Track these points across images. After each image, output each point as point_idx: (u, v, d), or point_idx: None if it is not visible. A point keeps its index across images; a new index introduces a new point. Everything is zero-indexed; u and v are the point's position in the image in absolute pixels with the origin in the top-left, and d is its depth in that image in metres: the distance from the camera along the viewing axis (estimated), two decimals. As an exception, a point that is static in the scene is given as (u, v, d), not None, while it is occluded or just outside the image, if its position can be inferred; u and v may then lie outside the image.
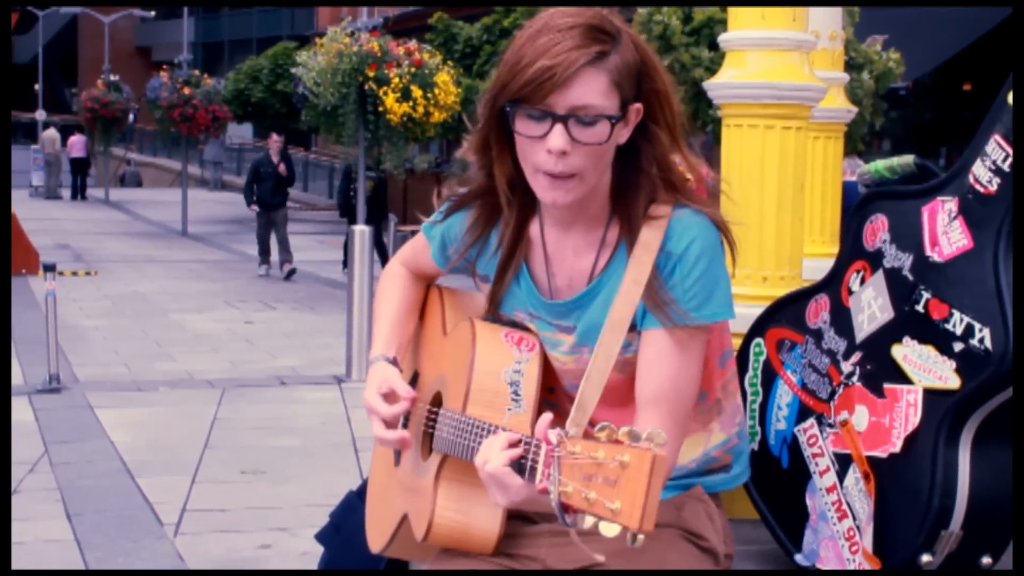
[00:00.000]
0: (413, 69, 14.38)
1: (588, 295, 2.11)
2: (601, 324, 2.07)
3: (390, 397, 2.20)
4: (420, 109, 14.50)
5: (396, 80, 14.18)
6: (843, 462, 2.47)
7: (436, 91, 14.57)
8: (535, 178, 2.02)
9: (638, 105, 2.01)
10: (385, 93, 14.21)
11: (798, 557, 2.60)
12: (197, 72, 22.69)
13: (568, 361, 2.14)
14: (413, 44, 14.82)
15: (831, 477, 2.50)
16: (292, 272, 16.53)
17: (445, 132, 18.22)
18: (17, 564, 4.95)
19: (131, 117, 28.75)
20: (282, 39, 29.90)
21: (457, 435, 2.06)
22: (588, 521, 1.61)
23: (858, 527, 2.43)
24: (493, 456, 1.85)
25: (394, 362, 2.28)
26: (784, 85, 2.97)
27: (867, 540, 2.35)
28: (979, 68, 17.42)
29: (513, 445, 1.85)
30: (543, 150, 1.97)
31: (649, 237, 2.03)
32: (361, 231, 9.72)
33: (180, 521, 5.66)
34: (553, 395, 2.19)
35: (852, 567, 2.42)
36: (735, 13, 3.09)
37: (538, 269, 2.17)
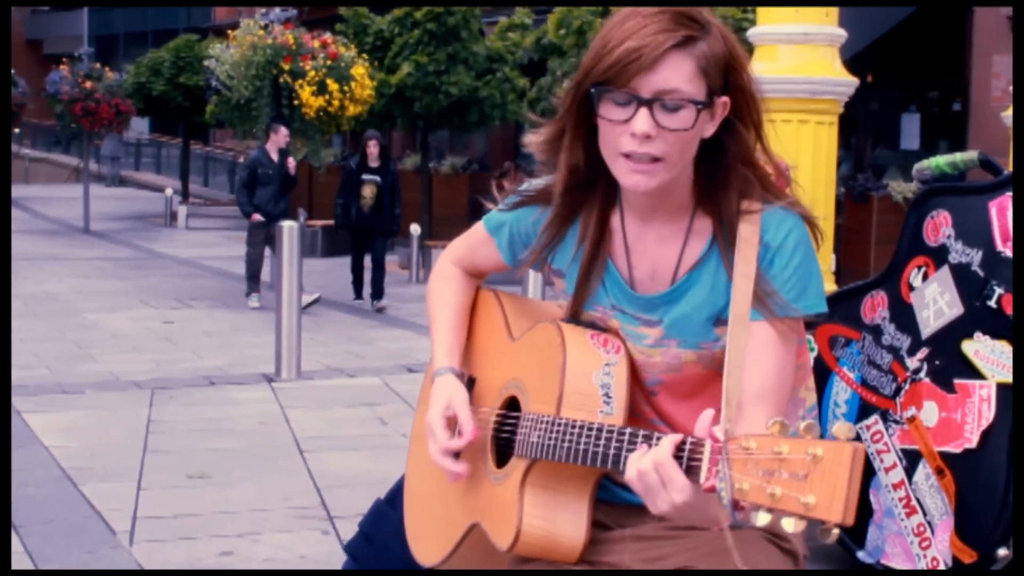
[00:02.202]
0: (329, 62, 14.24)
1: (679, 289, 2.07)
2: (691, 317, 2.05)
3: (451, 422, 2.16)
4: (336, 103, 14.37)
5: (312, 73, 14.03)
6: (911, 458, 2.44)
7: (352, 84, 14.45)
8: (616, 162, 1.98)
9: (725, 99, 1.98)
10: (301, 86, 14.05)
11: (860, 554, 2.57)
12: (99, 65, 22.18)
13: (653, 354, 2.09)
14: (328, 37, 14.67)
15: (898, 473, 2.47)
16: (315, 301, 13.19)
17: (355, 125, 18.08)
18: (-32, 579, 4.76)
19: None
20: (179, 32, 29.38)
21: (552, 438, 1.99)
22: (763, 518, 1.57)
23: (929, 523, 2.41)
24: (656, 451, 1.78)
25: (460, 375, 2.23)
26: (819, 80, 2.94)
27: (948, 534, 2.34)
28: (881, 62, 17.72)
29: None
30: (627, 134, 1.94)
31: (748, 231, 2.00)
32: (290, 227, 9.54)
33: (133, 529, 5.48)
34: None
35: (922, 564, 2.40)
36: (766, 9, 3.06)
37: (619, 261, 2.12)
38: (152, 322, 12.18)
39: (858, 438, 2.56)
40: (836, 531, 1.53)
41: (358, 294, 14.19)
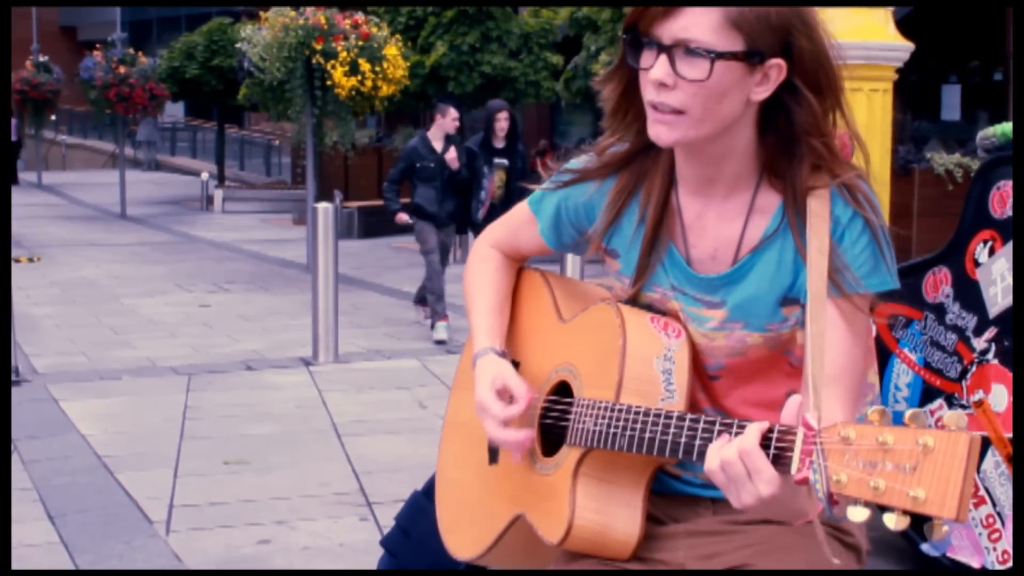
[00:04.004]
0: (361, 42, 14.13)
1: (743, 269, 1.94)
2: (757, 299, 1.93)
3: (502, 394, 2.03)
4: (368, 83, 14.24)
5: (344, 53, 13.92)
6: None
7: (385, 64, 14.33)
8: (648, 112, 1.89)
9: (778, 61, 1.84)
10: (333, 67, 13.94)
11: (924, 547, 2.44)
12: (132, 50, 22.16)
13: (717, 337, 1.97)
14: (360, 16, 14.54)
15: (965, 462, 2.35)
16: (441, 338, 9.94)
17: (389, 106, 17.97)
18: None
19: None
20: (211, 16, 29.34)
21: (611, 425, 1.87)
22: (860, 513, 1.45)
23: (999, 513, 2.28)
24: (742, 439, 1.64)
25: (502, 355, 2.11)
26: (873, 45, 2.79)
27: None
28: (920, 32, 17.44)
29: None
30: (650, 82, 1.85)
31: (817, 205, 1.87)
32: (324, 208, 9.45)
33: (170, 518, 5.42)
34: None
35: (992, 557, 2.27)
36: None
37: (678, 240, 2.00)
38: (189, 307, 12.14)
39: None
40: (945, 528, 1.42)
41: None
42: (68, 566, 4.85)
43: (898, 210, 14.76)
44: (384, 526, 5.25)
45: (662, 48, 1.82)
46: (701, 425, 1.76)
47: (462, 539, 2.23)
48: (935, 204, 14.01)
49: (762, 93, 1.87)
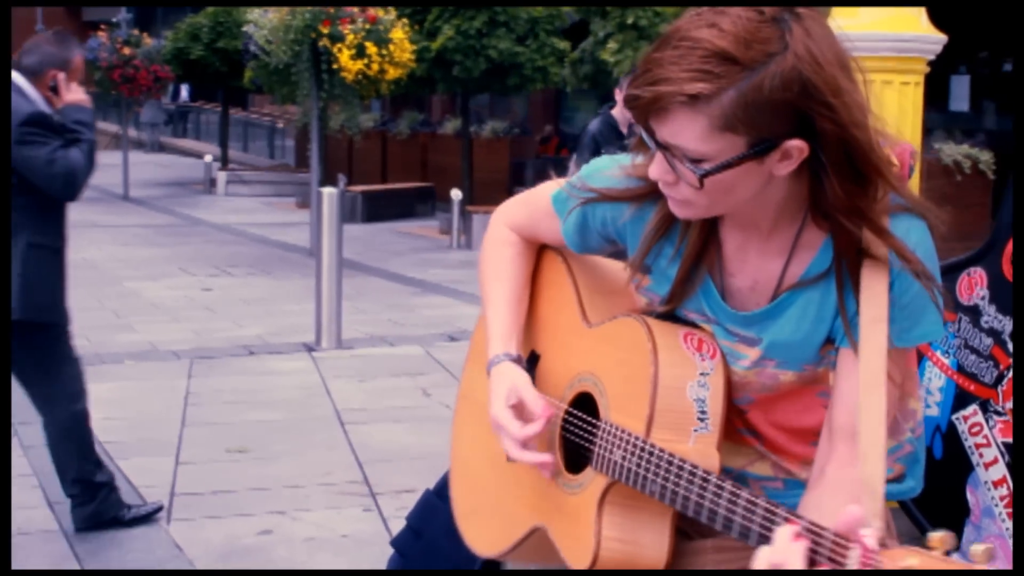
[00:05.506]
0: (368, 25, 14.03)
1: (782, 305, 1.82)
2: (794, 341, 1.80)
3: (518, 409, 1.94)
4: (375, 66, 14.15)
5: (351, 36, 13.82)
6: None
7: (391, 47, 14.23)
8: None
9: (796, 143, 1.65)
10: (339, 50, 13.84)
11: (954, 556, 2.36)
12: (137, 31, 22.04)
13: (748, 375, 1.86)
14: (367, -1, 14.44)
15: (999, 469, 2.26)
16: None
17: (395, 89, 17.87)
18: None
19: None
20: (217, -3, 29.18)
21: (641, 466, 1.77)
22: None
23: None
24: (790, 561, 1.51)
25: (518, 361, 2.01)
26: (904, 36, 2.70)
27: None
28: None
29: (798, 536, 1.52)
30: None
31: (876, 249, 1.72)
32: (329, 193, 9.37)
33: (171, 506, 5.36)
34: None
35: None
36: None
37: (715, 272, 1.88)
38: (191, 290, 12.06)
39: (952, 430, 2.35)
40: None
41: None
42: (66, 553, 4.79)
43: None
44: (387, 517, 5.19)
45: (658, 145, 1.69)
46: (742, 502, 1.65)
47: (479, 532, 2.16)
48: (941, 195, 13.91)
49: (785, 168, 1.69)
